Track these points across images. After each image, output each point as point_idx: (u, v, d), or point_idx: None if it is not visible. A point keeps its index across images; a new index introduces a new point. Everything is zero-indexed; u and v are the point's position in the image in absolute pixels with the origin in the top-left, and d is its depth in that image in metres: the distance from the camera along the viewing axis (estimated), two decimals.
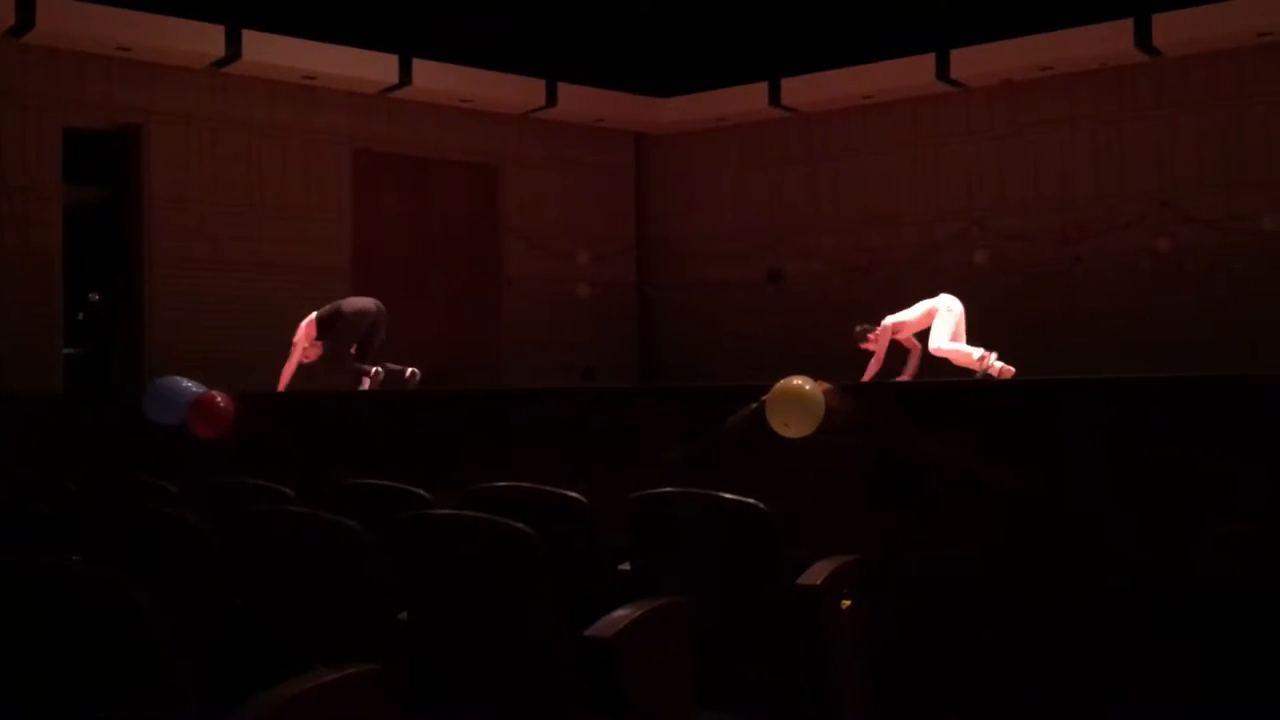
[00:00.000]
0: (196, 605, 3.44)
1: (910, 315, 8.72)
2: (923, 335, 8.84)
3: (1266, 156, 10.80)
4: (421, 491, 4.25)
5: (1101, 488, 4.83)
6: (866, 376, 8.61)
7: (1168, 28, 10.74)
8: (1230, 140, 10.98)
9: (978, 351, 8.32)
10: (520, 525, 3.18)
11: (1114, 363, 10.16)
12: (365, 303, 9.21)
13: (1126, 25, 10.88)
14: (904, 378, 8.52)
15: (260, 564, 3.62)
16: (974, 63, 11.76)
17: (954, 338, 8.54)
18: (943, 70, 11.91)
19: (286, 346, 9.27)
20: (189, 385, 7.63)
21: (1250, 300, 10.57)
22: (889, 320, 8.72)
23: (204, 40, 10.85)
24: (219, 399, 7.50)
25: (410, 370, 8.94)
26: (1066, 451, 4.98)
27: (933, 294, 8.86)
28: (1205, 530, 4.50)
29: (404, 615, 3.40)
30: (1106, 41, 11.04)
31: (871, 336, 8.69)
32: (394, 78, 11.96)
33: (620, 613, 3.14)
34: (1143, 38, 10.85)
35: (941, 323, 8.55)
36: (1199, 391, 5.01)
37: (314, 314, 9.18)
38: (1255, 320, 10.39)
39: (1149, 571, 4.62)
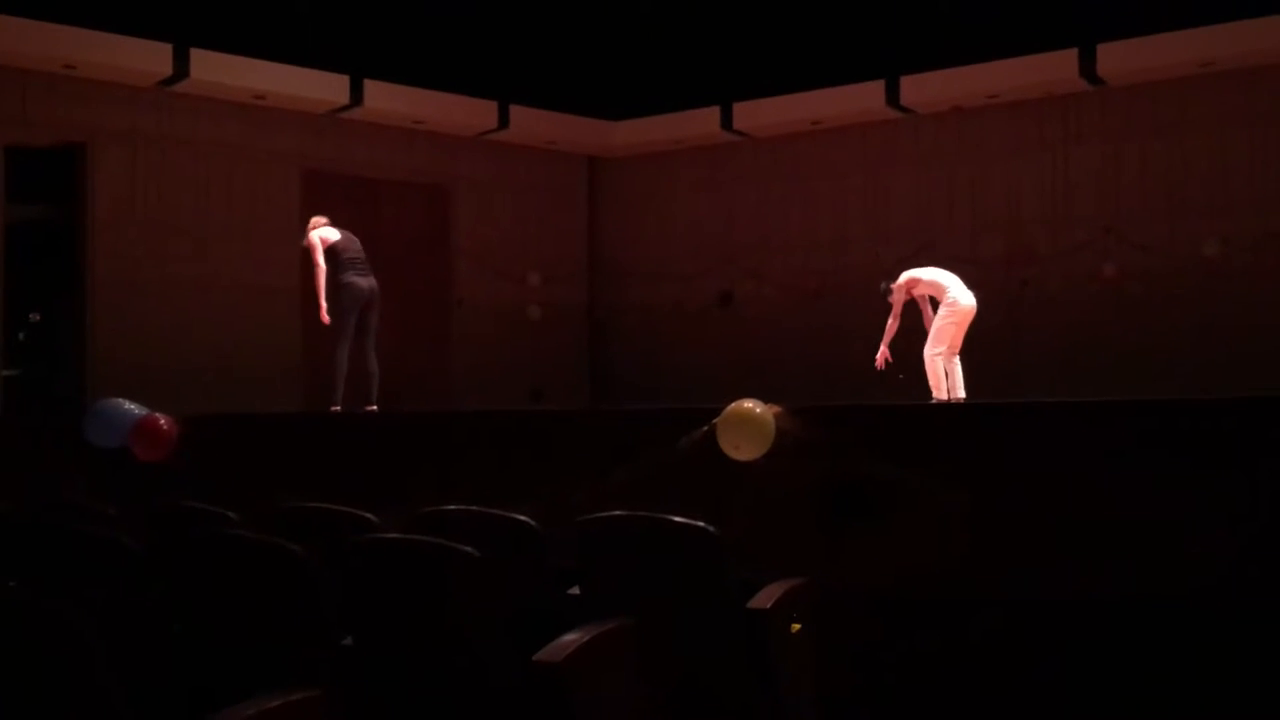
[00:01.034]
0: (135, 630, 3.36)
1: (924, 274, 8.66)
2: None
3: (1207, 184, 11.01)
4: (368, 515, 4.20)
5: (1049, 508, 4.87)
6: (886, 338, 8.62)
7: (1112, 57, 10.93)
8: (1173, 168, 11.18)
9: (943, 393, 8.31)
10: (468, 549, 3.15)
11: (1061, 385, 10.28)
12: (362, 282, 8.94)
13: (1071, 55, 11.06)
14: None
15: (202, 588, 3.55)
16: (923, 89, 11.91)
17: (951, 345, 8.46)
18: (892, 96, 12.04)
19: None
20: (131, 407, 7.50)
21: (1193, 325, 10.75)
22: (905, 275, 8.69)
23: (151, 58, 10.72)
24: (162, 421, 7.38)
25: (372, 407, 8.81)
26: (1015, 471, 5.02)
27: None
28: (1158, 548, 4.55)
29: (349, 640, 3.35)
30: (1052, 70, 11.21)
31: (894, 287, 8.67)
32: (345, 98, 11.89)
33: (569, 637, 3.12)
34: (1087, 67, 11.04)
35: (943, 322, 8.44)
36: (1152, 413, 5.07)
37: (317, 236, 8.97)
38: (1198, 344, 10.56)
39: (1102, 589, 4.66)
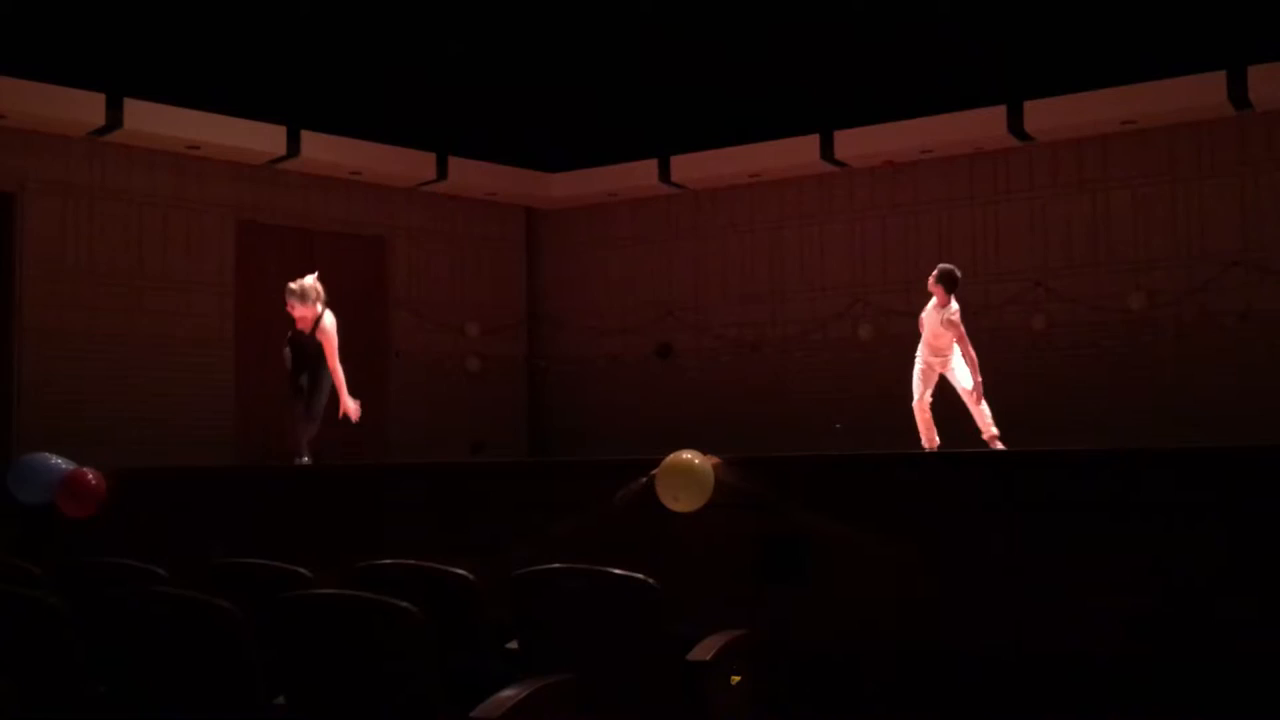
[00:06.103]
0: (59, 693, 3.28)
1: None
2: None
3: (1131, 239, 11.29)
4: (303, 570, 4.14)
5: (983, 559, 4.92)
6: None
7: (1038, 114, 11.22)
8: (1097, 223, 11.46)
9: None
10: (404, 604, 3.11)
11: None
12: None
13: (1000, 111, 11.34)
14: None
15: (128, 647, 3.47)
16: (857, 144, 12.12)
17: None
18: (827, 151, 12.24)
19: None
20: (58, 462, 7.35)
21: (1121, 376, 10.98)
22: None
23: (84, 108, 10.59)
24: (90, 476, 7.24)
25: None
26: (950, 523, 5.06)
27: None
28: (1081, 601, 4.60)
29: (281, 699, 3.28)
30: (981, 126, 11.47)
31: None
32: (282, 149, 11.83)
33: (507, 693, 3.09)
34: (1015, 123, 11.31)
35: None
36: (1076, 465, 5.15)
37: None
38: (1125, 395, 10.78)
39: (1032, 642, 4.70)
